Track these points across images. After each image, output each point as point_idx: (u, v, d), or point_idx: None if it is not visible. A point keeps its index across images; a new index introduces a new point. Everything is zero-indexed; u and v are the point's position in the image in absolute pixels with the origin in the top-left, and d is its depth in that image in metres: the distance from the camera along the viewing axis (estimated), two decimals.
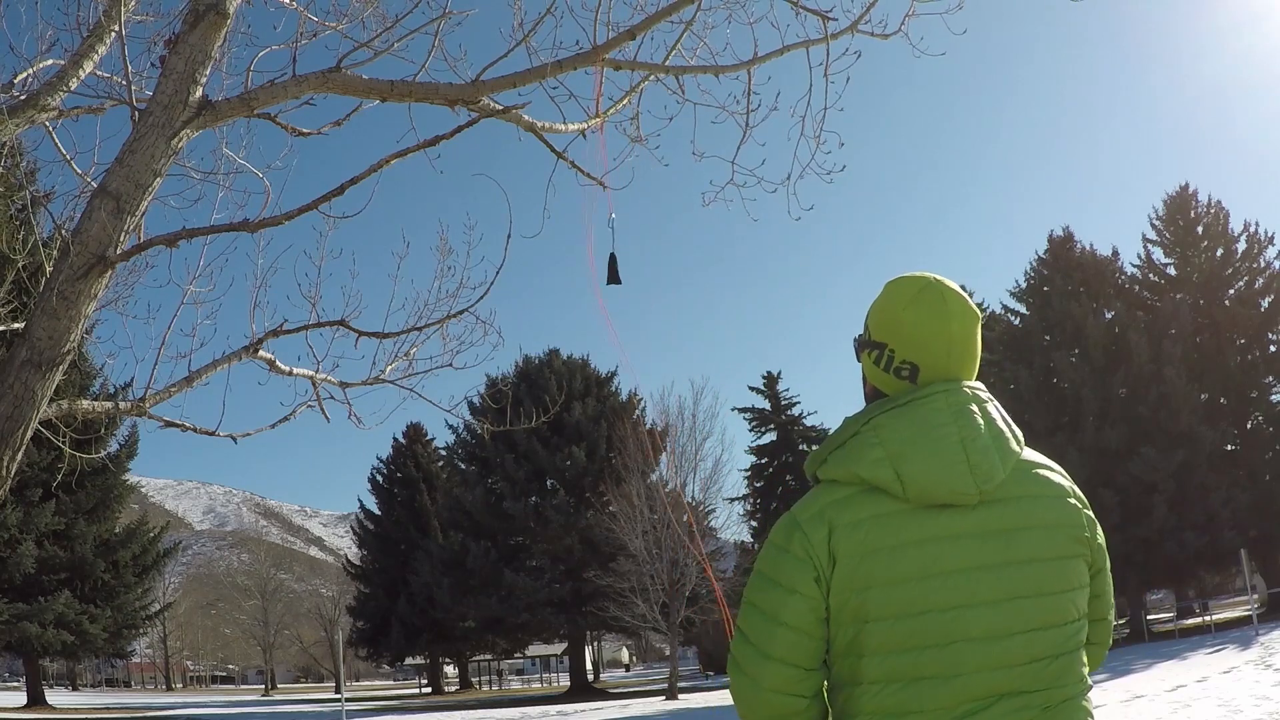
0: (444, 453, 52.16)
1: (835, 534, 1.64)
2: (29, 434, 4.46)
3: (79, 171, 5.82)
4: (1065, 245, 38.03)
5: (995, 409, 1.74)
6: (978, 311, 1.79)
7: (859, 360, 1.84)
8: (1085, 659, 1.72)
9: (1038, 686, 1.62)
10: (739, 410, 59.97)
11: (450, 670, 66.39)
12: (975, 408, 1.71)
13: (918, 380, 1.73)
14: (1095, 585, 1.77)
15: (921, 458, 1.63)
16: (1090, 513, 1.75)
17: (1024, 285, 39.15)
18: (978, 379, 1.82)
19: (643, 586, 33.82)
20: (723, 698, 27.85)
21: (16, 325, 5.90)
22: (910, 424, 1.67)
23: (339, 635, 30.64)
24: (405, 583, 47.94)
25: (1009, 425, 1.73)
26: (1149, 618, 36.28)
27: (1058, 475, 1.75)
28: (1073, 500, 1.73)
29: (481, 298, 5.90)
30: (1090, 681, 1.72)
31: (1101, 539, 1.78)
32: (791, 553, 1.66)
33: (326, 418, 5.97)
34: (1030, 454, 1.74)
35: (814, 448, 1.83)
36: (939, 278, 1.79)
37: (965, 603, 1.61)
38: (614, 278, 4.38)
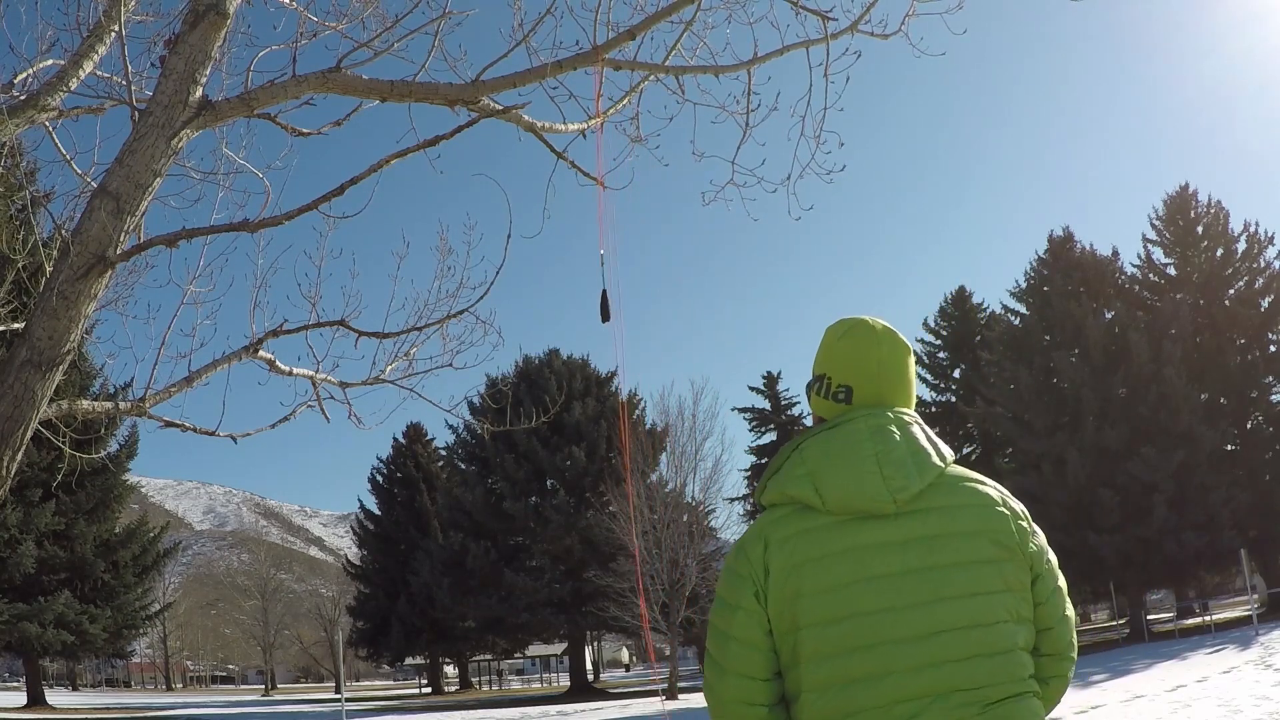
0: (444, 453, 52.12)
1: (769, 549, 1.75)
2: (29, 434, 4.46)
3: (79, 171, 5.82)
4: (1065, 245, 38.02)
5: (920, 430, 1.86)
6: (909, 344, 1.94)
7: (810, 405, 1.99)
8: (1031, 663, 1.77)
9: (974, 684, 1.68)
10: (739, 410, 60.01)
11: (450, 670, 66.34)
12: (895, 428, 1.82)
13: (852, 400, 1.87)
14: (1037, 592, 1.82)
15: (836, 472, 1.76)
16: (1025, 523, 1.82)
17: (1024, 285, 39.13)
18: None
19: (643, 586, 33.80)
20: None
21: (16, 325, 5.90)
22: (830, 444, 1.81)
23: (339, 635, 30.65)
24: (405, 583, 47.91)
25: (934, 444, 1.84)
26: (1149, 618, 36.26)
27: (988, 488, 1.83)
28: (1001, 509, 1.80)
29: (481, 298, 5.91)
30: (1035, 686, 1.77)
31: (1038, 545, 1.83)
32: (737, 572, 1.79)
33: (326, 418, 5.98)
34: (960, 470, 1.84)
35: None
36: (871, 318, 1.94)
37: (890, 606, 1.69)
38: (605, 315, 4.36)
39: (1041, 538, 1.86)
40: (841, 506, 1.74)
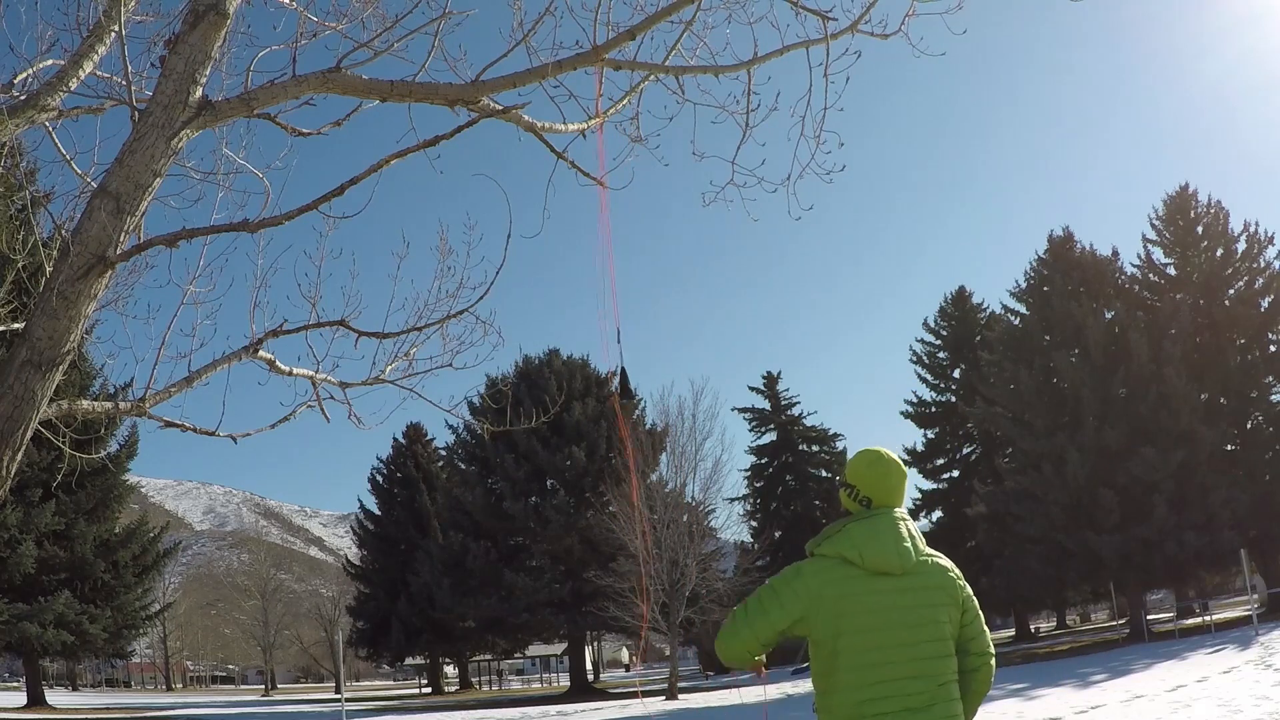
0: (444, 453, 52.14)
1: (824, 584, 3.00)
2: (29, 434, 4.46)
3: (79, 171, 5.82)
4: (1065, 245, 38.02)
5: (912, 524, 3.12)
6: (905, 470, 3.18)
7: (841, 498, 3.22)
8: (956, 666, 3.05)
9: (935, 674, 2.98)
10: (739, 410, 60.03)
11: (450, 670, 66.34)
12: (902, 524, 3.07)
13: (871, 506, 3.11)
14: (966, 616, 3.11)
15: (873, 547, 3.00)
16: (963, 582, 3.13)
17: (1024, 285, 39.14)
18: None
19: (643, 586, 33.78)
20: (722, 698, 27.83)
21: (16, 325, 5.90)
22: (868, 529, 3.04)
23: (339, 635, 30.68)
24: (405, 583, 47.92)
25: (918, 533, 3.11)
26: (1149, 618, 36.26)
27: (944, 560, 3.14)
28: (952, 574, 3.10)
29: (481, 298, 5.89)
30: (957, 678, 3.06)
31: (968, 593, 3.13)
32: (793, 585, 3.03)
33: (326, 418, 5.97)
34: (929, 549, 3.11)
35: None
36: (884, 451, 3.17)
37: (893, 624, 2.96)
38: (625, 392, 4.39)
39: (969, 588, 3.15)
40: (873, 567, 2.98)
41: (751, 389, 60.92)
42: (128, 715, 33.80)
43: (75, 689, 68.84)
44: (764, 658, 3.21)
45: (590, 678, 50.01)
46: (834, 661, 2.95)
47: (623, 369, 4.53)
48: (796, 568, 3.04)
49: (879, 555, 2.97)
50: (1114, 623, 49.75)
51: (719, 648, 3.11)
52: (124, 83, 4.99)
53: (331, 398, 5.97)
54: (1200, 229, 38.01)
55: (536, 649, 62.74)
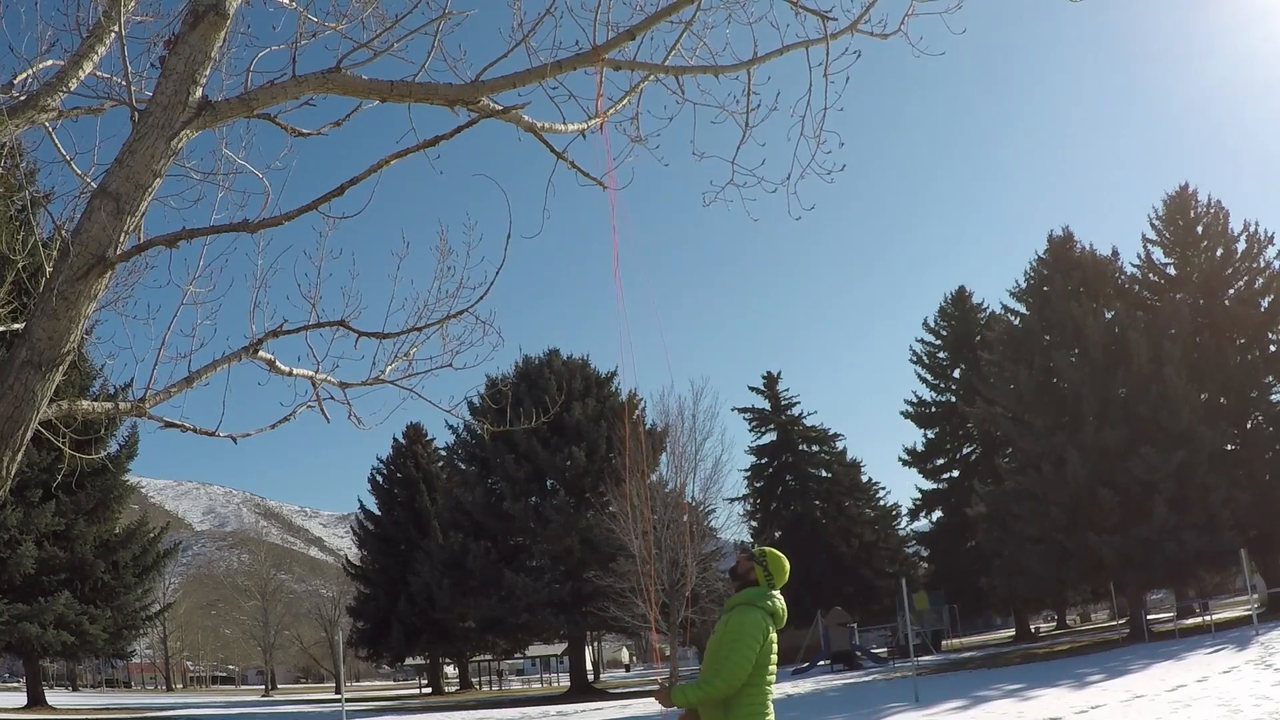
0: (444, 453, 52.11)
1: (767, 628, 4.66)
2: (29, 434, 4.46)
3: (79, 172, 5.82)
4: (1065, 245, 38.02)
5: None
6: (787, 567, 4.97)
7: (754, 569, 4.88)
8: None
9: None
10: (739, 410, 60.05)
11: (450, 670, 66.32)
12: (781, 598, 4.84)
13: (773, 585, 4.84)
14: None
15: (779, 610, 4.78)
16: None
17: (1024, 285, 39.14)
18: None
19: (643, 587, 33.73)
20: None
21: (16, 325, 5.90)
22: (777, 599, 4.81)
23: (339, 635, 30.66)
24: (405, 583, 47.91)
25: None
26: (1149, 618, 36.25)
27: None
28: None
29: (481, 298, 5.89)
30: None
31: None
32: (761, 628, 4.64)
33: (326, 418, 5.97)
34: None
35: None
36: (781, 557, 4.89)
37: (771, 658, 4.68)
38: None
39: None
40: (777, 623, 4.71)
41: (751, 389, 61.00)
42: (128, 715, 33.79)
43: (75, 689, 68.84)
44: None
45: (590, 678, 50.00)
46: (751, 678, 4.59)
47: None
48: (757, 619, 4.63)
49: (781, 615, 4.76)
50: (1114, 623, 49.74)
51: (719, 692, 4.52)
52: (124, 83, 4.99)
53: (331, 398, 5.98)
54: (1200, 229, 38.01)
55: (536, 649, 62.69)
